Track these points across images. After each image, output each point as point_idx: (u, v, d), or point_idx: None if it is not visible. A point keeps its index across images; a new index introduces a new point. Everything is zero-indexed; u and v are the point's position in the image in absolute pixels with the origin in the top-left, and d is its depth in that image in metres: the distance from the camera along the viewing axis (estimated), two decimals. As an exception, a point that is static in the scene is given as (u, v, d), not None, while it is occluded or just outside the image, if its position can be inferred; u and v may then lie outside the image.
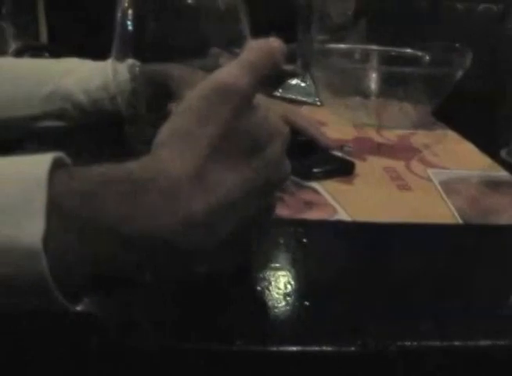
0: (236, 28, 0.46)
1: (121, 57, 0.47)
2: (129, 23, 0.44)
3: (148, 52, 0.45)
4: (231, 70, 0.40)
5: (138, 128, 0.51)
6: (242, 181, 0.39)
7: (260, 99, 0.42)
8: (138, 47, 0.45)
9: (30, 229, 0.33)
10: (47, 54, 1.39)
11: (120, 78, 0.52)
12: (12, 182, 0.35)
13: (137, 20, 0.45)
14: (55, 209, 0.34)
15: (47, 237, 0.34)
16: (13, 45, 1.66)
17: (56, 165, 0.36)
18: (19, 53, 1.31)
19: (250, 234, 0.44)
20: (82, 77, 0.87)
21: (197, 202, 0.37)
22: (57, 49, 1.39)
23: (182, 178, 0.37)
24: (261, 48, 0.42)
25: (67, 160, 0.38)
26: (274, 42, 0.42)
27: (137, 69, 0.50)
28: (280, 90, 1.20)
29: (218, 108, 0.39)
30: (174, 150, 0.38)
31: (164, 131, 0.39)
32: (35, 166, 0.35)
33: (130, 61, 0.48)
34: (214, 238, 0.38)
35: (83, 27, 1.56)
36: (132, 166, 0.38)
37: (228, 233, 0.39)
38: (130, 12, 0.44)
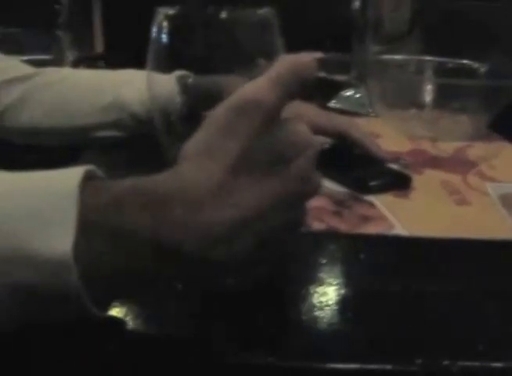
0: (268, 41, 0.46)
1: (158, 70, 0.47)
2: (164, 36, 0.44)
3: (186, 65, 0.45)
4: (257, 85, 0.40)
5: (176, 140, 0.51)
6: (266, 195, 0.39)
7: (300, 108, 0.42)
8: (175, 60, 0.45)
9: (61, 241, 0.35)
10: (103, 63, 1.41)
11: (161, 90, 0.50)
12: (45, 196, 0.36)
13: (172, 34, 0.45)
14: (84, 221, 0.35)
15: (77, 249, 0.35)
16: (69, 54, 1.70)
17: (87, 178, 0.37)
18: (76, 63, 1.34)
19: (278, 247, 0.44)
20: (139, 88, 0.88)
21: (221, 215, 0.37)
22: (113, 59, 1.41)
23: (205, 191, 0.37)
24: (291, 63, 0.41)
25: (99, 172, 0.39)
26: (304, 57, 0.41)
27: (189, 80, 0.50)
28: (334, 101, 1.19)
29: (243, 123, 0.39)
30: (198, 164, 0.38)
31: (190, 145, 0.40)
32: (66, 180, 0.37)
33: (179, 72, 0.48)
34: (240, 251, 0.38)
35: (139, 37, 1.57)
36: (158, 178, 0.38)
37: (254, 246, 0.39)
38: (165, 24, 0.44)
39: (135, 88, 0.88)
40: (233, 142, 0.38)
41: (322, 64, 1.40)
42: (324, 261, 0.59)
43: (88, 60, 1.35)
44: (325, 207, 0.72)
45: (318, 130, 0.76)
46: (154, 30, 0.43)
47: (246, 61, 0.46)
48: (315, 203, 0.71)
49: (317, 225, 0.67)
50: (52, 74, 0.94)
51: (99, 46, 1.83)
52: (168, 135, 0.52)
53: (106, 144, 0.91)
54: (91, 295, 0.36)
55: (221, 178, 0.38)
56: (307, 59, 0.41)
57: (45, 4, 1.88)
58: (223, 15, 0.43)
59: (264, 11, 0.45)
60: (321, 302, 0.50)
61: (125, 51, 1.52)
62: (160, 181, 0.38)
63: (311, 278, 0.55)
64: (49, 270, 0.35)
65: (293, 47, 0.48)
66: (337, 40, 1.38)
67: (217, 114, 0.40)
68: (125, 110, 0.88)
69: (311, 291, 0.52)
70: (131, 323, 0.45)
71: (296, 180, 0.40)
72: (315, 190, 0.43)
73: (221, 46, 0.41)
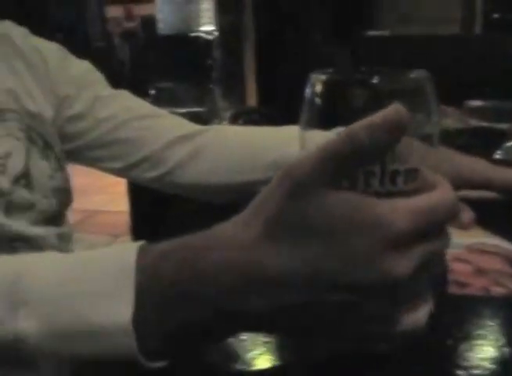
0: (423, 104, 0.41)
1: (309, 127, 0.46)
2: (318, 99, 0.44)
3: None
4: (301, 158, 0.38)
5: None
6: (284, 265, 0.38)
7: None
8: (329, 122, 0.44)
9: (121, 313, 0.39)
10: (257, 116, 1.44)
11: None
12: (105, 272, 0.41)
13: (326, 97, 0.44)
14: (142, 292, 0.40)
15: (136, 318, 0.39)
16: (221, 106, 1.75)
17: (142, 251, 0.41)
18: (234, 117, 1.37)
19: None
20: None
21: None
22: (267, 112, 1.43)
23: (235, 248, 0.39)
24: (347, 137, 0.36)
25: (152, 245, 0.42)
26: (358, 133, 0.36)
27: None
28: (499, 152, 1.15)
29: (275, 191, 0.38)
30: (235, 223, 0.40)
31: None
32: (124, 256, 0.41)
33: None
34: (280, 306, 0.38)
35: (290, 91, 1.60)
36: (192, 239, 0.41)
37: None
38: (319, 88, 0.43)
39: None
40: (265, 207, 0.38)
41: (483, 112, 1.35)
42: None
43: (243, 114, 1.38)
44: (503, 269, 0.68)
45: (485, 184, 0.72)
46: (308, 92, 0.43)
47: None
48: (491, 265, 0.68)
49: (497, 290, 0.63)
50: (218, 131, 0.96)
51: (251, 99, 1.87)
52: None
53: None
54: (146, 354, 0.40)
55: (249, 237, 0.39)
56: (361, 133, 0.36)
57: (199, 59, 1.95)
58: (375, 79, 0.41)
59: (417, 74, 0.43)
60: None
61: (277, 104, 1.54)
62: (195, 240, 0.41)
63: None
64: (111, 338, 0.39)
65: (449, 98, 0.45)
66: (497, 85, 1.33)
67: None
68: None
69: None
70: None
71: (333, 260, 0.37)
72: (372, 282, 0.36)
73: (374, 111, 0.40)
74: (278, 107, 1.57)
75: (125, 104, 0.92)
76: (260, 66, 1.78)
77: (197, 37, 2.32)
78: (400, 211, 0.36)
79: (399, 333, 0.39)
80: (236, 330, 0.43)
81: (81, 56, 0.89)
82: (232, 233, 0.39)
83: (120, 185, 1.99)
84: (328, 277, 0.37)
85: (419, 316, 0.39)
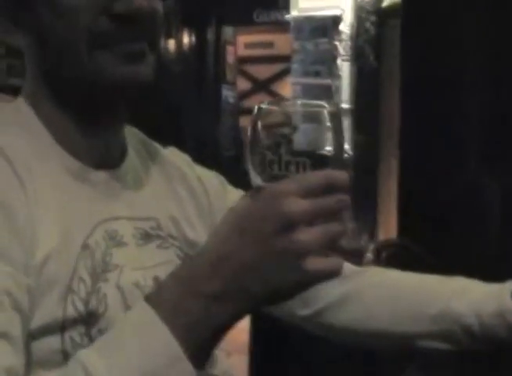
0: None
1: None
2: None
3: None
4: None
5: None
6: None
7: None
8: None
9: None
10: (401, 251, 1.39)
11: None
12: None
13: None
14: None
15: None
16: (351, 226, 1.70)
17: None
18: (378, 252, 1.32)
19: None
20: (474, 299, 0.82)
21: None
22: (411, 246, 1.38)
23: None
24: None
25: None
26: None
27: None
28: None
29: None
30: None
31: None
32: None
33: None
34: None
35: (436, 221, 1.54)
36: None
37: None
38: None
39: (469, 299, 0.82)
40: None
41: None
42: None
43: (386, 248, 1.33)
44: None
45: None
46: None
47: None
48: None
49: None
50: (376, 274, 0.92)
51: (384, 224, 1.83)
52: None
53: (430, 356, 0.84)
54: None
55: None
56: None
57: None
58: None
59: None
60: None
61: (420, 235, 1.48)
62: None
63: None
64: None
65: None
66: None
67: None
68: (457, 322, 0.82)
69: None
70: None
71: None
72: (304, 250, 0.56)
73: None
74: (421, 239, 1.51)
75: None
76: (401, 192, 1.73)
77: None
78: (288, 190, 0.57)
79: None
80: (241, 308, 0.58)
81: (210, 166, 0.91)
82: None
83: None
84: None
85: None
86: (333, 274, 0.57)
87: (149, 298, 0.59)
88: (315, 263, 0.55)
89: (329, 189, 0.56)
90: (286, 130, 0.59)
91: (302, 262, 0.55)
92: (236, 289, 0.57)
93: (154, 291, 0.62)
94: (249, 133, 0.59)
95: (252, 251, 0.56)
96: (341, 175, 0.57)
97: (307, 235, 0.55)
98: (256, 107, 0.59)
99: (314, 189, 0.56)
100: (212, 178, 0.90)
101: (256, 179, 0.59)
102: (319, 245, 0.55)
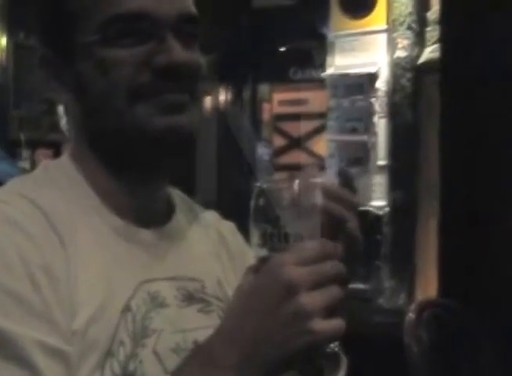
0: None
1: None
2: None
3: None
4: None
5: None
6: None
7: None
8: None
9: None
10: (443, 311, 1.35)
11: None
12: None
13: None
14: None
15: None
16: (387, 284, 1.67)
17: None
18: (419, 312, 1.28)
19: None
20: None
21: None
22: (455, 306, 1.34)
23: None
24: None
25: None
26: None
27: None
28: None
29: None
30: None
31: None
32: None
33: None
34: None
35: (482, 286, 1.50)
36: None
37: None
38: None
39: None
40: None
41: None
42: None
43: (428, 308, 1.29)
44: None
45: None
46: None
47: None
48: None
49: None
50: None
51: (421, 284, 1.79)
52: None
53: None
54: None
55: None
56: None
57: (368, 233, 1.90)
58: None
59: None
60: None
61: (460, 295, 1.43)
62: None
63: None
64: None
65: None
66: None
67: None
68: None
69: None
70: None
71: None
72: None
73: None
74: (462, 300, 1.46)
75: None
76: (441, 251, 1.70)
77: (367, 212, 2.29)
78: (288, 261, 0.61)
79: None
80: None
81: (227, 217, 0.90)
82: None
83: None
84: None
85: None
86: (337, 335, 0.61)
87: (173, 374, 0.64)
88: (321, 324, 0.60)
89: (325, 256, 0.62)
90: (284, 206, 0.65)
91: (309, 323, 0.60)
92: (253, 358, 0.61)
93: (176, 368, 0.64)
94: (251, 209, 0.65)
95: (263, 323, 0.61)
96: (335, 246, 0.63)
97: (309, 298, 0.60)
98: (256, 186, 0.65)
99: (310, 257, 0.61)
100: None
101: (259, 251, 0.65)
102: (321, 307, 0.60)
